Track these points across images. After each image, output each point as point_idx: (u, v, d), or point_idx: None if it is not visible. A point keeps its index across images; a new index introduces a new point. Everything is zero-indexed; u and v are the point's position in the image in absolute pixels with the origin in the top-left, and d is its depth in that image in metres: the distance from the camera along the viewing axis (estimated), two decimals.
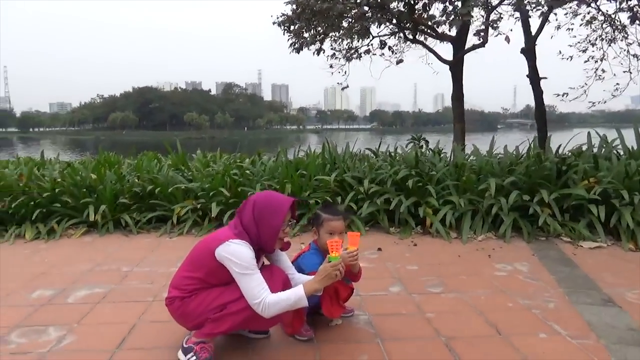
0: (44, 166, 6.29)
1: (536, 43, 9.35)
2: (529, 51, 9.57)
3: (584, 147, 5.95)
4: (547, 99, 9.81)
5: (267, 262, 2.48)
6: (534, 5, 6.88)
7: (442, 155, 6.36)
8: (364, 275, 3.53)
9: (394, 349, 2.41)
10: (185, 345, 2.27)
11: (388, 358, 2.33)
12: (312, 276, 2.28)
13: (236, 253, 2.16)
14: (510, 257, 4.05)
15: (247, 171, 5.70)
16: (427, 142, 8.24)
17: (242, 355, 2.37)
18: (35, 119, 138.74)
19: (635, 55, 9.48)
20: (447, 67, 8.40)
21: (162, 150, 7.80)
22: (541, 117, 10.23)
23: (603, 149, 5.81)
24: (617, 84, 10.31)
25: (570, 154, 5.85)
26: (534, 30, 9.01)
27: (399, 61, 7.65)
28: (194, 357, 2.21)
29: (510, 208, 4.83)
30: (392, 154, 6.37)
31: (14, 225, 4.84)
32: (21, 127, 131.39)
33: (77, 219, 4.99)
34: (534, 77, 10.11)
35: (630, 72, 9.50)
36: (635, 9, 7.59)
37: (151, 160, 6.54)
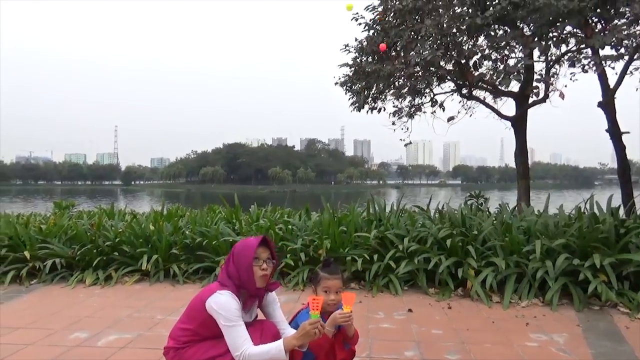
0: (114, 217, 6.93)
1: (615, 96, 8.84)
2: (607, 105, 9.05)
3: None
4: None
5: (262, 316, 2.56)
6: (612, 60, 6.55)
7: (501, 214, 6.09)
8: (383, 337, 3.48)
9: None
10: None
11: None
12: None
13: (221, 304, 2.26)
14: (551, 327, 3.75)
15: (291, 226, 5.87)
16: (486, 199, 7.98)
17: None
18: (138, 173, 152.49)
19: None
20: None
21: (242, 204, 8.16)
22: (624, 174, 9.48)
23: None
24: None
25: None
26: (612, 82, 8.56)
27: (450, 118, 7.60)
28: None
29: (562, 273, 4.51)
30: (442, 212, 6.23)
31: (79, 271, 5.35)
32: (125, 180, 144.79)
33: (132, 267, 5.42)
34: (615, 132, 9.49)
35: None
36: None
37: (208, 213, 6.96)
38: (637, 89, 9.50)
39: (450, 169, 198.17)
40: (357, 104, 8.83)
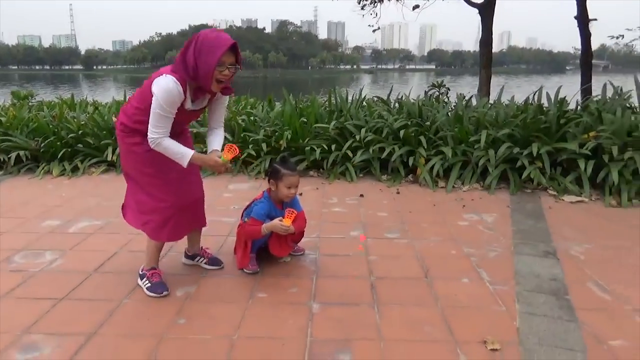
0: (75, 108, 6.88)
1: None
2: None
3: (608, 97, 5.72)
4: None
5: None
6: None
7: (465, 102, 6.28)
8: (333, 220, 3.86)
9: (323, 285, 2.73)
10: (140, 272, 2.70)
11: (314, 291, 2.66)
12: (212, 151, 2.53)
13: (161, 88, 2.21)
14: (484, 208, 4.19)
15: (254, 117, 6.00)
16: (448, 89, 8.16)
17: (192, 281, 2.78)
18: (99, 57, 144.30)
19: None
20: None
21: None
22: (586, 63, 9.71)
23: (615, 100, 5.60)
24: None
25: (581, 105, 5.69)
26: None
27: (415, 7, 7.46)
28: (147, 282, 2.64)
29: (504, 160, 4.89)
30: (401, 103, 6.40)
31: (44, 163, 5.48)
32: (86, 65, 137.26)
33: (98, 158, 5.56)
34: (583, 18, 9.53)
35: None
36: None
37: None
38: None
39: (425, 54, 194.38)
40: None
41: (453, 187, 4.80)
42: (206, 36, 2.24)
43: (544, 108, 5.31)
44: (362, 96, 6.67)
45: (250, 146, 5.48)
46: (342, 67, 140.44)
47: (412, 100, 6.41)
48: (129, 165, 2.55)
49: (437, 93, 8.00)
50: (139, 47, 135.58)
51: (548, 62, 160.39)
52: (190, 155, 2.37)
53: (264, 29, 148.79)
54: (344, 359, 2.06)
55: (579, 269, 2.96)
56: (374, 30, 9.60)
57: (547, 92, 5.79)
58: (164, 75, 2.25)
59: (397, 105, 6.34)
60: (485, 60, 8.33)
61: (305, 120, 5.75)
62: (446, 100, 7.68)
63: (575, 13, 8.39)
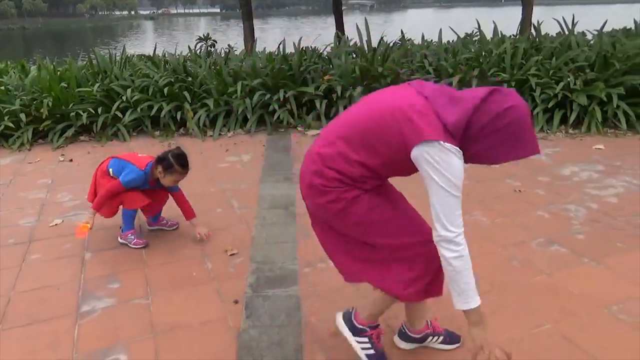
0: None
1: None
2: None
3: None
4: None
5: None
6: None
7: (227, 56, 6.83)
8: None
9: (95, 236, 3.13)
10: (356, 324, 1.88)
11: (87, 244, 3.05)
12: None
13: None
14: (244, 150, 4.96)
15: (4, 87, 5.62)
16: (215, 42, 8.63)
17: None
18: None
19: None
20: None
21: None
22: (337, 10, 11.15)
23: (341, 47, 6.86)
24: None
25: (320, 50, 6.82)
26: None
27: None
28: (370, 347, 1.86)
29: (260, 106, 5.70)
30: (166, 60, 6.68)
31: None
32: None
33: None
34: None
35: None
36: None
37: None
38: None
39: None
40: None
41: (220, 134, 5.46)
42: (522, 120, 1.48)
43: (288, 58, 6.23)
44: (127, 55, 6.72)
45: (7, 118, 5.21)
46: (117, 13, 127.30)
47: (177, 56, 6.73)
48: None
49: (206, 45, 8.43)
50: None
51: (325, 2, 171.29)
52: None
53: None
54: (115, 286, 2.57)
55: None
56: None
57: (293, 42, 6.76)
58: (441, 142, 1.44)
59: (162, 63, 6.60)
60: (246, 12, 8.97)
61: (66, 84, 5.64)
62: (213, 52, 8.20)
63: None
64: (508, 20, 8.29)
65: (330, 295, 2.44)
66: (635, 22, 7.67)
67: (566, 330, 2.11)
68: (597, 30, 7.45)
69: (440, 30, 6.94)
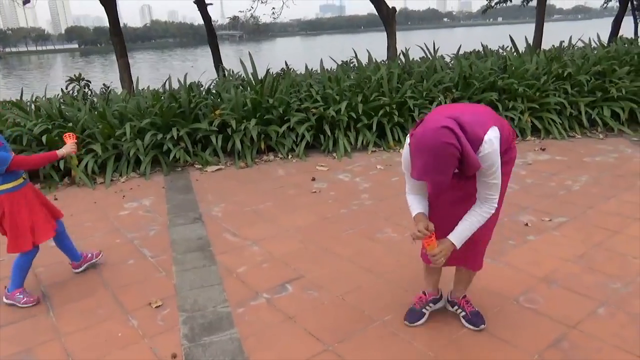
0: None
1: None
2: None
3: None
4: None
5: None
6: None
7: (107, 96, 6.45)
8: None
9: None
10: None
11: None
12: None
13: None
14: (142, 194, 4.73)
15: None
16: (88, 82, 8.12)
17: None
18: None
19: None
20: None
21: None
22: (213, 42, 11.20)
23: (229, 81, 6.91)
24: (273, 7, 12.13)
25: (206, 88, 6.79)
26: None
27: (26, 1, 7.06)
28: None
29: (152, 147, 5.47)
30: (37, 105, 6.12)
31: None
32: None
33: None
34: (201, 3, 10.91)
35: None
36: None
37: None
38: None
39: (62, 31, 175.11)
40: None
41: (112, 180, 5.13)
42: None
43: (176, 96, 6.10)
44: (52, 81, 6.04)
45: None
46: None
47: (52, 100, 6.22)
48: None
49: (78, 87, 7.89)
50: None
51: (192, 35, 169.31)
52: None
53: None
54: None
55: (218, 225, 3.87)
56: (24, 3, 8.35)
57: (178, 79, 6.64)
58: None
59: (32, 108, 6.05)
60: (120, 50, 8.59)
61: None
62: (89, 93, 7.72)
63: None
64: (370, 45, 9.06)
65: (270, 330, 2.45)
66: (482, 45, 8.86)
67: (488, 326, 2.37)
68: (453, 54, 8.47)
69: (321, 60, 7.32)
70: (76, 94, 7.36)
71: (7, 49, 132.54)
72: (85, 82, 7.94)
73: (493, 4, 16.57)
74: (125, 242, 3.63)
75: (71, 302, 2.82)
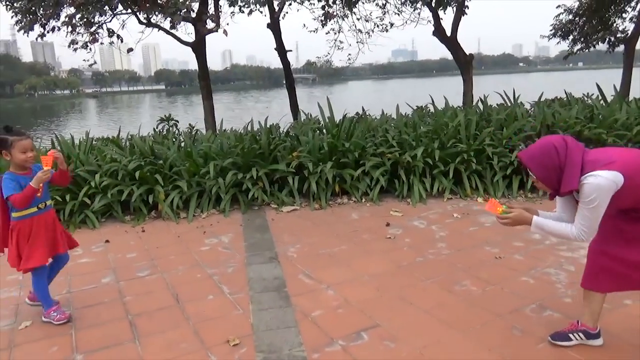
0: None
1: (280, 19, 10.69)
2: (274, 26, 10.88)
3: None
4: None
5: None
6: None
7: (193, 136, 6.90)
8: (81, 272, 3.96)
9: (83, 336, 2.95)
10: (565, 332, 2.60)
11: (75, 344, 2.86)
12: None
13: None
14: (222, 231, 4.92)
15: None
16: (177, 122, 8.74)
17: None
18: None
19: (359, 30, 11.74)
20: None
21: None
22: (291, 86, 11.73)
23: (307, 124, 7.14)
24: (349, 54, 12.61)
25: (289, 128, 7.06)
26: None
27: (129, 50, 7.80)
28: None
29: (233, 185, 5.73)
30: (132, 143, 6.65)
31: None
32: None
33: None
34: (281, 50, 11.49)
35: (362, 43, 11.84)
36: None
37: None
38: (297, 10, 11.57)
39: (152, 74, 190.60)
40: (24, 25, 8.01)
41: (194, 216, 5.40)
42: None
43: (257, 137, 6.38)
44: (90, 138, 6.66)
45: None
46: (59, 92, 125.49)
47: (145, 138, 6.73)
48: None
49: (167, 126, 8.50)
50: None
51: (268, 78, 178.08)
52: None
53: None
54: None
55: (293, 266, 3.93)
56: (90, 65, 9.36)
57: (259, 122, 6.98)
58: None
59: (127, 145, 6.57)
60: (206, 93, 9.21)
61: None
62: (176, 132, 8.28)
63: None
64: (441, 89, 9.05)
65: None
66: (565, 92, 8.55)
67: None
68: (534, 101, 8.22)
69: (398, 105, 7.40)
70: (165, 132, 7.91)
71: (104, 89, 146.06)
72: (174, 121, 8.54)
73: (575, 50, 16.01)
74: (206, 277, 3.77)
75: (157, 333, 2.94)
